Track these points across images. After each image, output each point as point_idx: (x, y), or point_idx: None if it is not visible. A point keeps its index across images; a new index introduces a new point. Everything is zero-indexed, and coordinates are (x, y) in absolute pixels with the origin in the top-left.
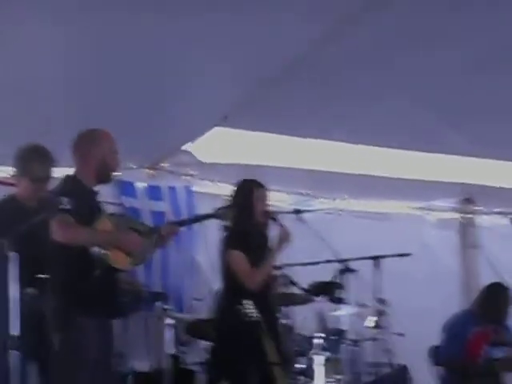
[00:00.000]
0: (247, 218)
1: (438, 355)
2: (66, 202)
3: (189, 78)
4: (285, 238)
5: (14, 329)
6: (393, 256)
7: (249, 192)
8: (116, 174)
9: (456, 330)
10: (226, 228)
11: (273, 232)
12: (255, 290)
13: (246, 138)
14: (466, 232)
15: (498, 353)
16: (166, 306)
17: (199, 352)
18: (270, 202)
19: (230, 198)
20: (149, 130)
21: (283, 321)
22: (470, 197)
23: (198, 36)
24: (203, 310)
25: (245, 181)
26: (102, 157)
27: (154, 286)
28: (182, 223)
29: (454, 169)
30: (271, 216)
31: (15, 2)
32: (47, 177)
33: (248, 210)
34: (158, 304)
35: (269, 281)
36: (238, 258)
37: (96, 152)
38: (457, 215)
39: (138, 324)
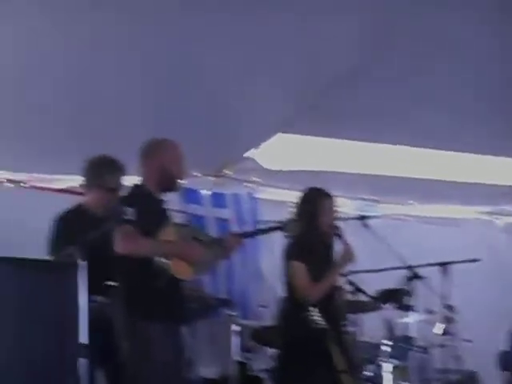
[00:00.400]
0: (312, 229)
1: (506, 360)
2: (129, 213)
3: (253, 84)
4: (348, 256)
5: (83, 337)
6: (461, 262)
7: (315, 202)
8: (182, 182)
9: None
10: (290, 236)
11: (337, 245)
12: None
13: (310, 143)
14: None
15: None
16: (231, 313)
17: (265, 359)
18: (336, 213)
19: (295, 207)
20: (213, 137)
21: (351, 328)
22: None
23: (263, 43)
24: (269, 317)
25: (311, 190)
26: (167, 166)
27: (219, 292)
28: (246, 235)
29: None
30: (336, 232)
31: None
32: (118, 186)
33: (313, 220)
34: (224, 310)
35: (333, 290)
36: (299, 269)
37: (161, 161)
38: None
39: (205, 331)
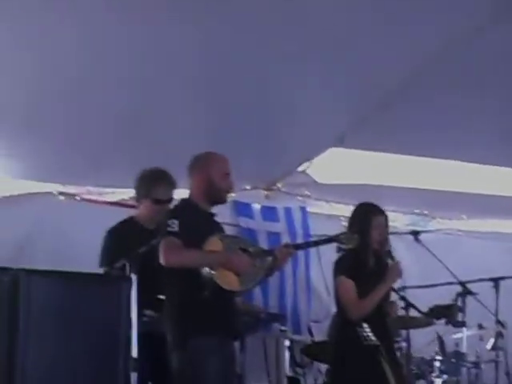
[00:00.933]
0: (363, 245)
1: None
2: (174, 225)
3: (305, 98)
4: (396, 273)
5: (133, 350)
6: None
7: (366, 217)
8: (231, 195)
9: None
10: (340, 250)
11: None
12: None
13: (362, 158)
14: None
15: None
16: (283, 328)
17: (316, 374)
18: (387, 230)
19: (348, 222)
20: (265, 151)
21: (402, 344)
22: None
23: (315, 57)
24: (321, 332)
25: (364, 205)
26: (213, 178)
27: (271, 307)
28: (298, 246)
29: None
30: (388, 253)
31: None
32: (169, 199)
33: (364, 236)
34: (276, 325)
35: (385, 305)
36: (347, 285)
37: (207, 173)
38: None
39: (256, 345)
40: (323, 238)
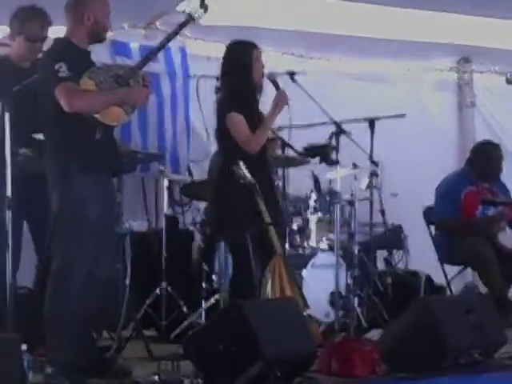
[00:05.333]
0: (246, 80)
1: (432, 216)
2: (62, 69)
3: None
4: (282, 100)
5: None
6: (387, 117)
7: (246, 53)
8: (109, 33)
9: (449, 190)
10: (220, 89)
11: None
12: (254, 153)
13: None
14: (463, 92)
15: (493, 212)
16: (162, 168)
17: (194, 212)
18: (264, 64)
19: (224, 60)
20: None
21: (279, 182)
22: (467, 56)
23: None
24: (200, 172)
25: (240, 42)
26: (96, 18)
27: (150, 147)
28: (159, 48)
29: (451, 28)
30: (271, 79)
31: None
32: (43, 37)
33: (247, 71)
34: (155, 165)
35: (266, 143)
36: (239, 121)
37: (88, 12)
38: (454, 75)
39: (135, 185)
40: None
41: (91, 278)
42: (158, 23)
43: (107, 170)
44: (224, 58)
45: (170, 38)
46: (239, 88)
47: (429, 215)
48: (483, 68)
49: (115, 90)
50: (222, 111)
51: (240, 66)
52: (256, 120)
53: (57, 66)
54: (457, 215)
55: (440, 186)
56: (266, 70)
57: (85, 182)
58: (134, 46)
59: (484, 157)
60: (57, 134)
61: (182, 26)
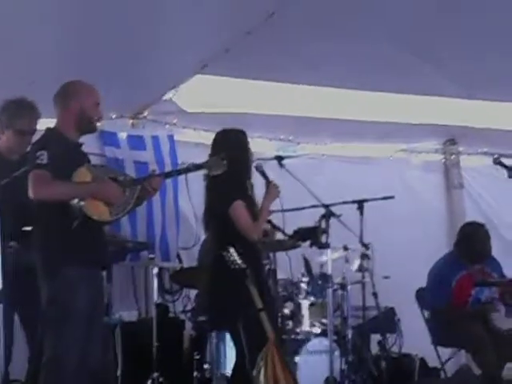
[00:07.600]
0: (244, 169)
1: (424, 299)
2: (43, 156)
3: (169, 25)
4: (273, 193)
5: None
6: (376, 199)
7: (243, 142)
8: (99, 124)
9: (440, 278)
10: (207, 177)
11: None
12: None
13: (227, 84)
14: (450, 173)
15: (486, 294)
16: (152, 256)
17: (185, 300)
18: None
19: (215, 147)
20: (130, 79)
21: (269, 267)
22: (453, 138)
23: None
24: (190, 259)
25: (233, 130)
26: (83, 108)
27: (139, 236)
28: (167, 175)
29: (437, 110)
30: (259, 170)
31: None
32: (32, 130)
33: (245, 160)
34: (144, 254)
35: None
36: (244, 210)
37: (76, 103)
38: (441, 157)
39: (124, 275)
40: (192, 164)
41: (82, 369)
42: (145, 113)
43: (92, 262)
44: (219, 144)
45: (180, 172)
46: (239, 174)
47: (421, 297)
48: (470, 150)
49: (87, 183)
50: (224, 197)
51: (240, 156)
52: (251, 205)
53: (38, 153)
54: (449, 302)
55: (431, 273)
56: (254, 158)
57: (70, 273)
58: (122, 135)
59: (470, 238)
60: (40, 223)
61: (195, 168)
